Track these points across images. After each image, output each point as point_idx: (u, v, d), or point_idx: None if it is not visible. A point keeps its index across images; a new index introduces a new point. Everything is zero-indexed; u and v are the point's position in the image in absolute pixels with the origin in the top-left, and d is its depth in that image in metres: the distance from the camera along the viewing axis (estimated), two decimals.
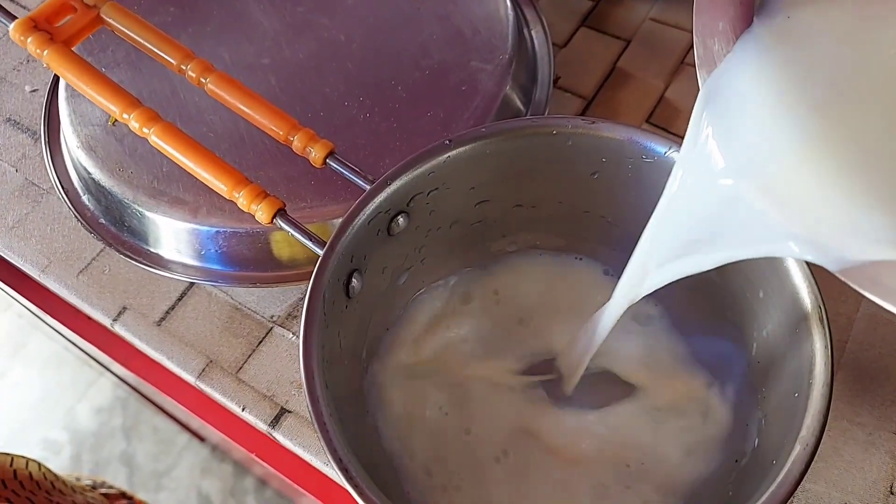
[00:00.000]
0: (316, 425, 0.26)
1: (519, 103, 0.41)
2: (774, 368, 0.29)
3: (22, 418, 1.18)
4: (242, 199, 0.30)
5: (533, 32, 0.46)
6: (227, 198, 0.31)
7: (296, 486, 0.43)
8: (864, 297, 0.39)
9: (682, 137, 0.45)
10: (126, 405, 1.19)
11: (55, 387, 1.21)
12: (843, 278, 0.23)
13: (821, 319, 0.26)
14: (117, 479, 1.14)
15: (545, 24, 0.46)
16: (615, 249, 0.37)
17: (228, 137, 0.38)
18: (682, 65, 0.48)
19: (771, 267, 0.28)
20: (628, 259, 0.30)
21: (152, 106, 0.34)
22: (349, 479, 0.25)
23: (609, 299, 0.31)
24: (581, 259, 0.38)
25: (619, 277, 0.30)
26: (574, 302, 0.37)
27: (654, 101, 0.46)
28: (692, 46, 0.48)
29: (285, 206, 0.31)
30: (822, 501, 0.34)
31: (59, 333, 0.99)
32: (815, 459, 0.33)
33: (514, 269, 0.38)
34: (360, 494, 0.25)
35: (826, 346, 0.25)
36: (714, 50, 0.27)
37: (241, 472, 1.13)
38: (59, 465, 1.12)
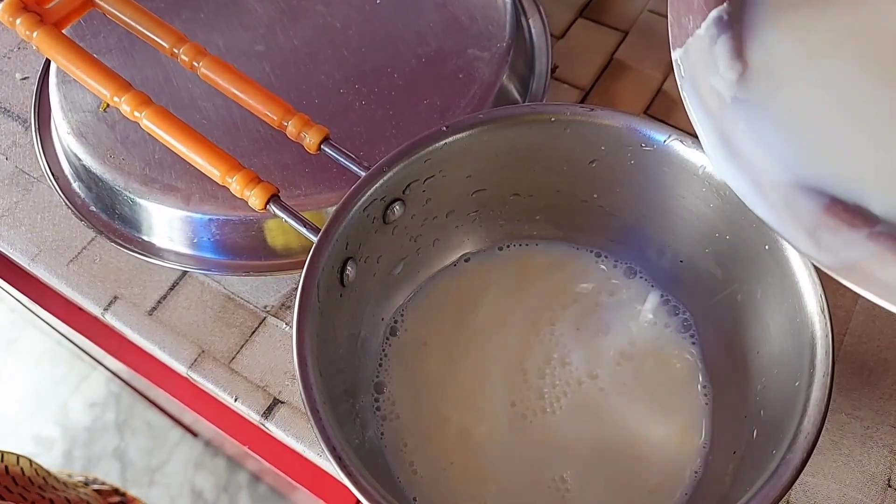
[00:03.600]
0: (308, 412, 0.26)
1: (516, 93, 0.41)
2: (773, 359, 0.28)
3: (14, 413, 1.17)
4: (235, 185, 0.30)
5: (531, 22, 0.45)
6: (220, 183, 0.30)
7: (289, 479, 0.42)
8: None
9: (681, 129, 0.45)
10: (119, 400, 1.19)
11: (48, 382, 1.20)
12: (834, 275, 0.23)
13: (822, 309, 0.25)
14: (109, 475, 1.13)
15: (543, 13, 0.46)
16: (613, 240, 0.37)
17: (222, 124, 0.38)
18: None
19: (772, 257, 0.28)
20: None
21: (145, 92, 0.33)
22: (342, 466, 0.25)
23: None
24: (578, 248, 0.38)
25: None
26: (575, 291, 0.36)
27: (653, 92, 0.46)
28: None
29: (279, 191, 0.30)
30: (820, 494, 0.33)
31: (52, 327, 0.98)
32: (813, 452, 0.33)
33: (514, 258, 0.38)
34: (353, 482, 0.25)
35: (827, 335, 0.25)
36: (688, 28, 0.26)
37: (235, 468, 1.12)
38: (50, 460, 1.12)
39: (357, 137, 0.37)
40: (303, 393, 0.26)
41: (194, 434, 1.12)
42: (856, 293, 0.38)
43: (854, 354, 0.37)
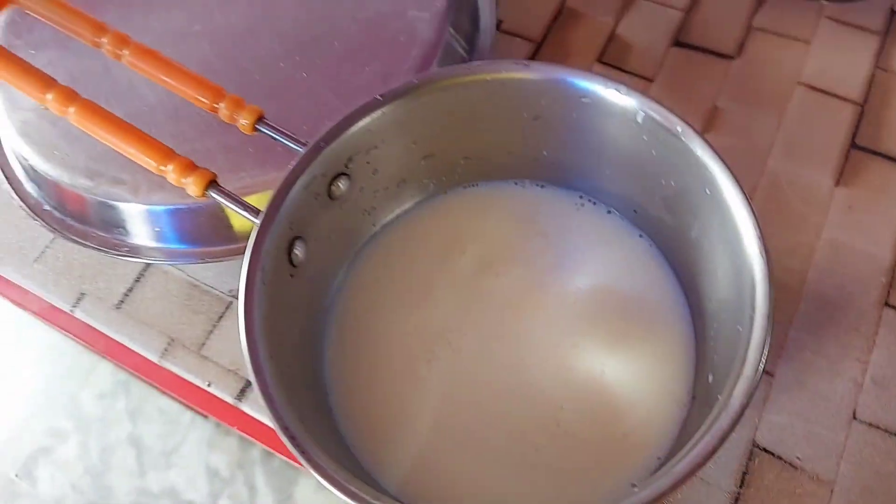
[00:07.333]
0: (259, 393, 0.26)
1: (461, 51, 0.40)
2: (721, 304, 0.28)
3: (26, 410, 1.19)
4: (172, 174, 0.29)
5: None
6: (157, 173, 0.30)
7: (273, 451, 0.43)
8: (824, 224, 0.39)
9: (633, 74, 0.45)
10: (128, 388, 1.20)
11: (56, 376, 1.21)
12: None
13: (761, 251, 0.25)
14: (126, 461, 1.15)
15: None
16: (571, 197, 0.37)
17: (163, 111, 0.37)
18: None
19: (714, 201, 0.28)
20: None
21: (85, 85, 0.33)
22: (296, 445, 0.25)
23: None
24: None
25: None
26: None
27: (605, 38, 0.45)
28: None
29: (216, 177, 0.30)
30: (786, 432, 0.33)
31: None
32: (779, 392, 0.33)
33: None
34: (308, 460, 0.25)
35: (765, 277, 0.25)
36: None
37: (247, 445, 1.14)
38: (66, 452, 1.14)
39: (300, 112, 0.37)
40: (253, 376, 0.26)
41: (205, 416, 1.14)
42: (817, 228, 0.38)
43: (818, 290, 0.36)
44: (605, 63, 0.44)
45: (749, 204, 0.26)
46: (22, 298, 0.50)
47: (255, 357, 0.27)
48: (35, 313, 0.49)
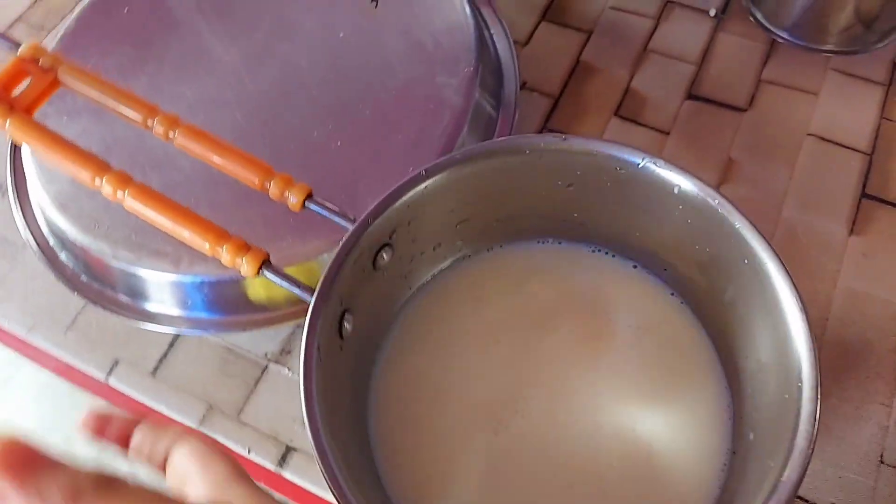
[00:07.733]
0: (326, 477, 0.27)
1: (490, 108, 0.41)
2: (760, 366, 0.30)
3: None
4: (226, 255, 0.30)
5: (493, 34, 0.45)
6: (210, 255, 0.30)
7: None
8: (840, 272, 0.41)
9: (649, 128, 0.46)
10: None
11: (49, 416, 1.20)
12: None
13: (804, 326, 0.26)
14: None
15: (504, 24, 0.46)
16: (597, 253, 0.38)
17: (201, 180, 0.38)
18: (646, 52, 0.48)
19: (752, 271, 0.29)
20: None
21: (120, 153, 0.33)
22: None
23: None
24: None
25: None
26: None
27: (621, 92, 0.46)
28: (654, 32, 0.48)
29: (269, 256, 0.31)
30: (819, 478, 0.35)
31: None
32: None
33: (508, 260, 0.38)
34: None
35: (811, 349, 0.26)
36: None
37: None
38: None
39: (334, 180, 0.38)
40: (319, 460, 0.27)
41: None
42: (833, 276, 0.40)
43: (838, 338, 0.38)
44: (621, 117, 0.46)
45: (790, 277, 0.27)
46: (43, 359, 0.50)
47: (318, 439, 0.28)
48: (54, 370, 0.49)
